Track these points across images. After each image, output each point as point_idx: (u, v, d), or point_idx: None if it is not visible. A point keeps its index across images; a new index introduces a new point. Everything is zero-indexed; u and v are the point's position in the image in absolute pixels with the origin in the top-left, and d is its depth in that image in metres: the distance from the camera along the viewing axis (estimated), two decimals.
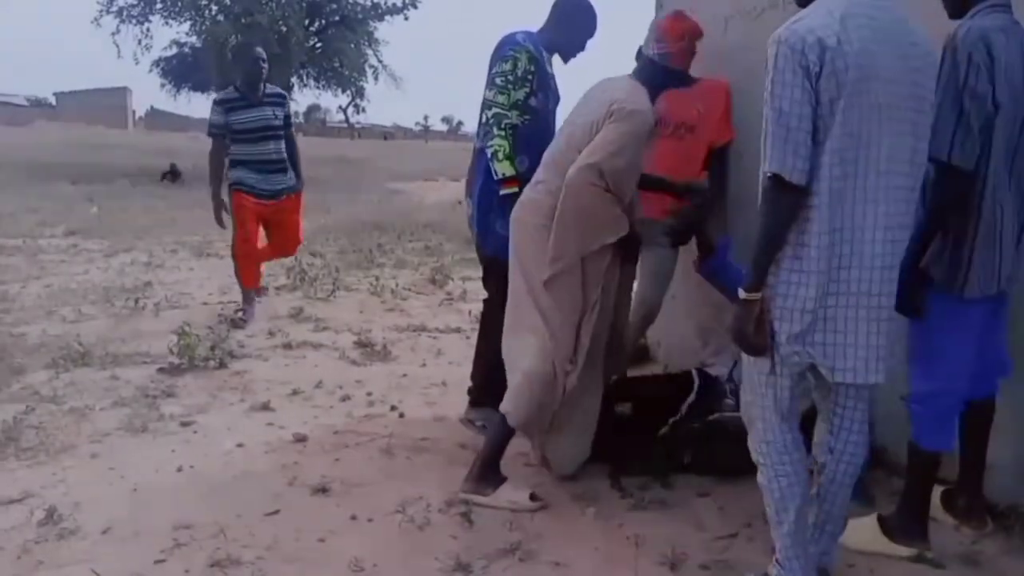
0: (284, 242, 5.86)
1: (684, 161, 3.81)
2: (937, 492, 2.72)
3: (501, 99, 3.34)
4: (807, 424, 2.37)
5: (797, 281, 2.07)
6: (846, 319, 2.08)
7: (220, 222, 5.61)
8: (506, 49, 3.39)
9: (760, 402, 2.22)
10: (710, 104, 3.81)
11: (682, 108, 3.80)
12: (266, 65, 5.43)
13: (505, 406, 2.97)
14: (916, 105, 2.07)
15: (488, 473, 2.98)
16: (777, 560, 2.30)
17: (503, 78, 3.35)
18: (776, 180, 2.02)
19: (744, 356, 2.24)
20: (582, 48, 3.50)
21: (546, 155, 3.04)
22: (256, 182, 5.44)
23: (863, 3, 2.05)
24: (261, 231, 5.73)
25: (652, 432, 3.30)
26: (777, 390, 2.19)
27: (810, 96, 1.99)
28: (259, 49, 5.44)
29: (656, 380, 3.89)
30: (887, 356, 2.14)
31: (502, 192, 3.29)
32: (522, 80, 3.33)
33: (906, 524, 2.60)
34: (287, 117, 5.58)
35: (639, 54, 3.02)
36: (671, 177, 3.40)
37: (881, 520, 2.65)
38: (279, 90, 5.66)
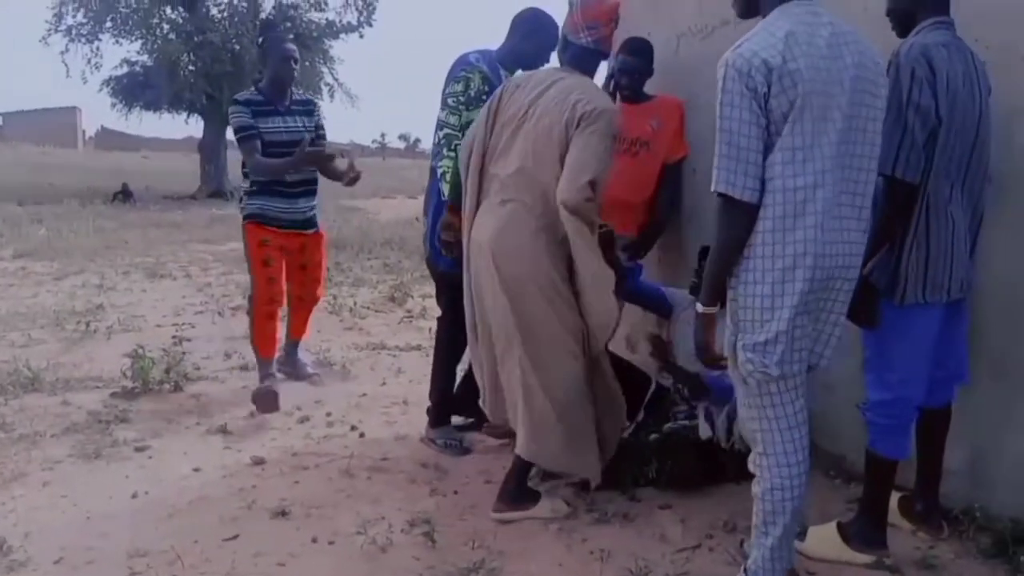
0: (307, 288, 4.48)
1: (639, 177, 3.84)
2: (895, 498, 2.77)
3: (452, 120, 3.38)
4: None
5: (753, 293, 2.11)
6: (771, 319, 2.11)
7: (321, 159, 4.16)
8: (458, 70, 3.43)
9: (757, 414, 2.23)
10: (664, 120, 3.85)
11: (637, 124, 3.85)
12: (297, 65, 4.33)
13: (528, 449, 2.90)
14: (869, 114, 2.14)
15: (523, 491, 2.98)
16: (745, 569, 2.33)
17: (455, 99, 3.38)
18: (726, 199, 2.07)
19: (738, 372, 2.22)
20: (546, 60, 3.52)
21: (499, 172, 2.93)
22: (280, 211, 4.17)
23: (806, 21, 2.10)
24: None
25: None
26: (767, 398, 2.19)
27: (758, 117, 2.05)
28: (291, 45, 4.28)
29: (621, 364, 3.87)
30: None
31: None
32: (475, 100, 3.35)
33: (865, 531, 2.64)
34: (319, 128, 4.33)
35: (566, 43, 2.99)
36: None
37: (840, 527, 2.68)
38: (307, 96, 4.52)
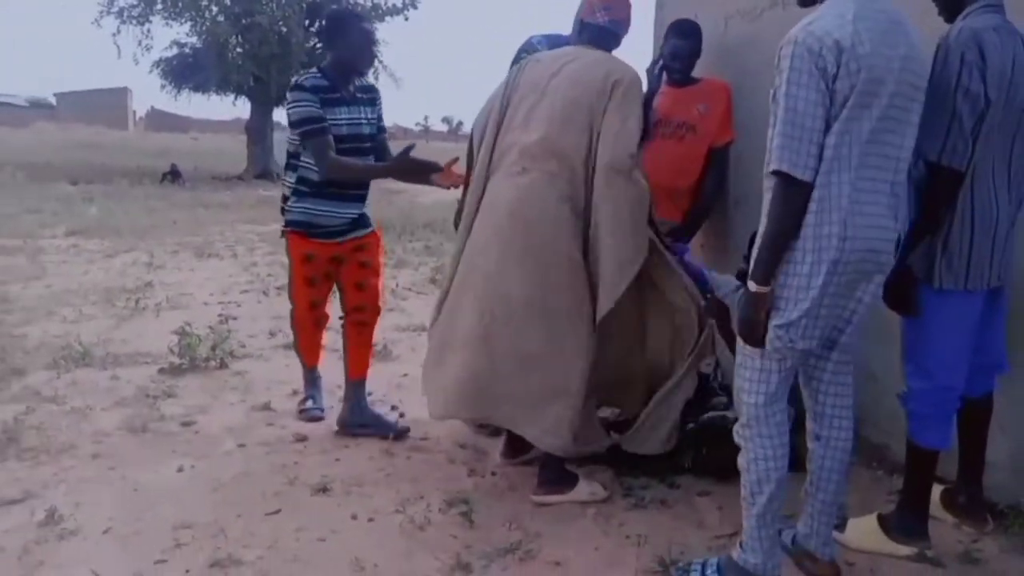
0: (368, 295, 3.72)
1: (685, 161, 3.80)
2: (937, 491, 2.73)
3: None
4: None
5: (795, 272, 2.12)
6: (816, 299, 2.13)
7: (425, 170, 3.51)
8: (519, 52, 3.44)
9: (748, 387, 2.27)
10: (711, 104, 3.80)
11: (683, 107, 3.80)
12: (378, 48, 3.70)
13: (548, 442, 2.86)
14: (909, 105, 2.14)
15: (561, 475, 2.98)
16: (740, 543, 2.35)
17: None
18: (786, 178, 2.06)
19: (739, 343, 2.28)
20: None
21: (519, 139, 2.88)
22: (327, 217, 3.51)
23: (868, 6, 2.09)
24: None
25: None
26: (766, 374, 2.24)
27: (824, 97, 2.04)
28: (372, 26, 3.62)
29: None
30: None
31: None
32: None
33: (906, 523, 2.61)
34: (380, 119, 3.70)
35: (583, 26, 3.04)
36: None
37: (881, 519, 2.65)
38: (371, 83, 3.78)
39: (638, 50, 4.50)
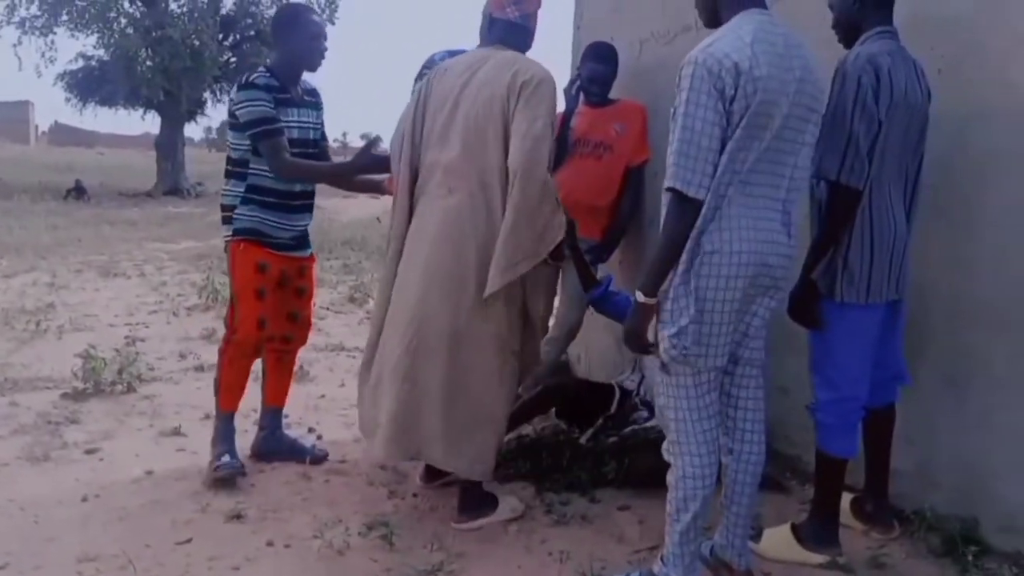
0: (300, 326, 3.53)
1: (603, 180, 3.87)
2: (847, 499, 2.82)
3: None
4: None
5: (685, 284, 2.18)
6: (702, 311, 2.18)
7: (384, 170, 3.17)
8: (423, 69, 3.40)
9: (669, 403, 2.31)
10: (628, 124, 3.88)
11: (600, 128, 3.87)
12: (327, 45, 3.38)
13: (476, 470, 2.81)
14: (803, 127, 2.23)
15: (482, 499, 2.94)
16: (662, 557, 2.39)
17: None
18: (678, 195, 2.13)
19: (653, 361, 2.33)
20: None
21: (440, 158, 2.79)
22: (276, 228, 3.27)
23: (766, 28, 2.17)
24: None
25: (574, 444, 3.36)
26: (683, 390, 2.28)
27: (721, 117, 2.10)
28: (319, 18, 3.43)
29: (581, 386, 3.92)
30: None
31: None
32: None
33: (818, 531, 2.68)
34: (323, 125, 3.50)
35: (492, 22, 2.89)
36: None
37: (794, 528, 2.72)
38: (313, 86, 3.51)
39: (559, 72, 4.56)
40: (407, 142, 2.91)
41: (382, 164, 3.15)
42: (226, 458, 3.24)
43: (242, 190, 3.25)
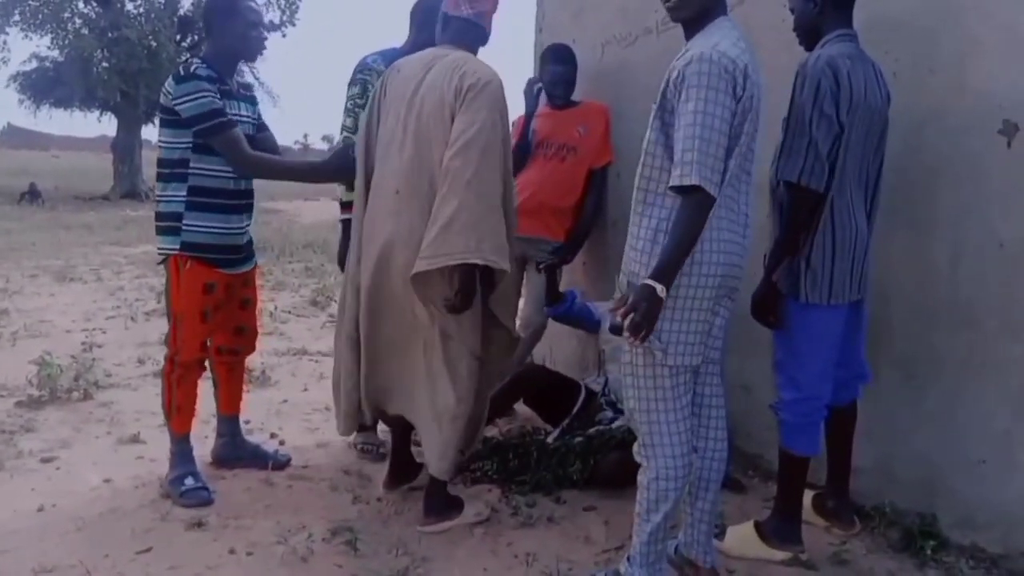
0: (247, 337, 3.42)
1: (567, 181, 3.89)
2: (809, 496, 2.85)
3: (349, 122, 3.35)
4: None
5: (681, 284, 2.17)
6: (684, 309, 2.21)
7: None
8: (356, 73, 3.39)
9: (647, 406, 2.29)
10: (591, 126, 3.90)
11: (564, 130, 3.88)
12: (267, 35, 3.28)
13: (439, 467, 2.81)
14: (755, 131, 2.24)
15: (447, 501, 2.92)
16: (628, 557, 2.40)
17: (352, 102, 3.37)
18: (698, 192, 2.08)
19: (629, 362, 2.29)
20: None
21: (393, 160, 2.75)
22: (224, 235, 3.07)
23: (743, 35, 2.21)
24: None
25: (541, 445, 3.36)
26: (660, 391, 2.27)
27: (733, 116, 2.12)
28: (256, 5, 3.21)
29: (551, 376, 3.92)
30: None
31: (341, 217, 3.25)
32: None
33: (781, 528, 2.71)
34: (261, 117, 3.34)
35: (446, 20, 2.83)
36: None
37: (758, 525, 2.74)
38: (247, 80, 3.42)
39: (521, 74, 4.57)
40: (361, 144, 2.89)
41: (354, 170, 3.06)
42: (190, 481, 3.10)
43: (184, 194, 3.00)
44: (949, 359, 2.73)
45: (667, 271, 2.12)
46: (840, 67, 2.43)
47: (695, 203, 2.10)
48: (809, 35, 2.64)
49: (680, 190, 2.11)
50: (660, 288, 2.10)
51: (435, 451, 2.81)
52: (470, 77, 2.61)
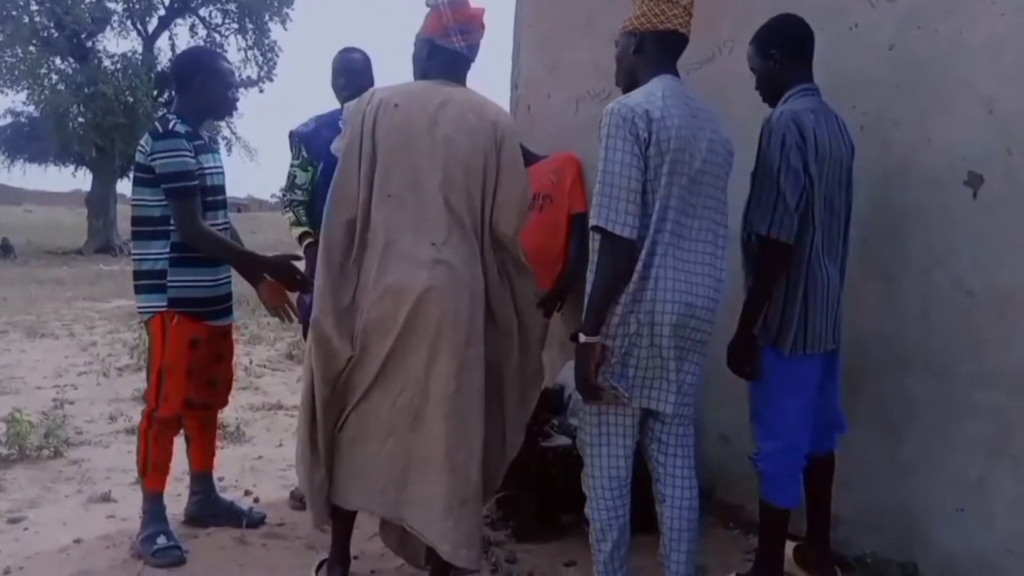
0: (221, 391, 3.38)
1: (550, 230, 3.95)
2: (790, 547, 2.83)
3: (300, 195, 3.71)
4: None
5: (623, 328, 2.29)
6: (648, 358, 2.31)
7: (282, 307, 3.22)
8: (292, 138, 3.69)
9: (592, 440, 2.41)
10: (561, 173, 3.99)
11: (537, 181, 3.92)
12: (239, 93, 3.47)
13: (469, 557, 2.50)
14: (720, 184, 2.40)
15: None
16: None
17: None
18: (605, 235, 2.24)
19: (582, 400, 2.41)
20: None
21: (416, 207, 2.48)
22: (209, 287, 3.10)
23: (677, 90, 2.35)
24: None
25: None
26: (606, 427, 2.40)
27: (639, 160, 2.25)
28: (229, 63, 3.33)
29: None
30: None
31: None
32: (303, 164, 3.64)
33: None
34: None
35: (433, 49, 2.58)
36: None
37: None
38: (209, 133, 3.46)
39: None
40: (360, 187, 2.51)
41: (293, 281, 3.11)
42: (162, 540, 3.02)
43: (168, 251, 2.99)
44: (924, 407, 2.76)
45: (590, 317, 2.27)
46: (804, 121, 2.50)
47: (607, 245, 2.26)
48: (771, 91, 2.71)
49: (595, 232, 2.28)
50: (583, 337, 2.26)
51: (460, 540, 2.46)
52: (503, 125, 2.59)
